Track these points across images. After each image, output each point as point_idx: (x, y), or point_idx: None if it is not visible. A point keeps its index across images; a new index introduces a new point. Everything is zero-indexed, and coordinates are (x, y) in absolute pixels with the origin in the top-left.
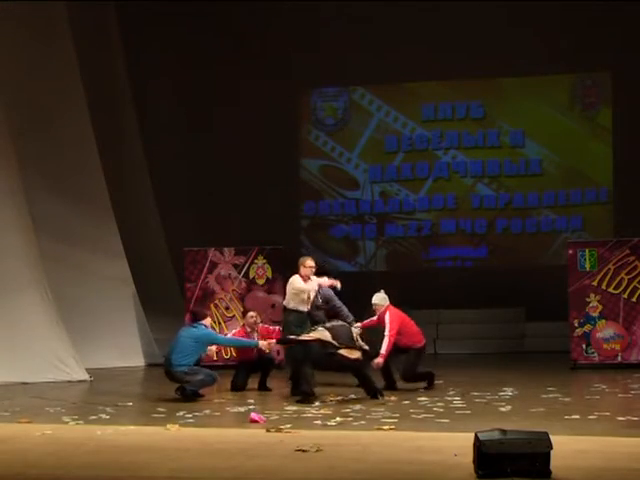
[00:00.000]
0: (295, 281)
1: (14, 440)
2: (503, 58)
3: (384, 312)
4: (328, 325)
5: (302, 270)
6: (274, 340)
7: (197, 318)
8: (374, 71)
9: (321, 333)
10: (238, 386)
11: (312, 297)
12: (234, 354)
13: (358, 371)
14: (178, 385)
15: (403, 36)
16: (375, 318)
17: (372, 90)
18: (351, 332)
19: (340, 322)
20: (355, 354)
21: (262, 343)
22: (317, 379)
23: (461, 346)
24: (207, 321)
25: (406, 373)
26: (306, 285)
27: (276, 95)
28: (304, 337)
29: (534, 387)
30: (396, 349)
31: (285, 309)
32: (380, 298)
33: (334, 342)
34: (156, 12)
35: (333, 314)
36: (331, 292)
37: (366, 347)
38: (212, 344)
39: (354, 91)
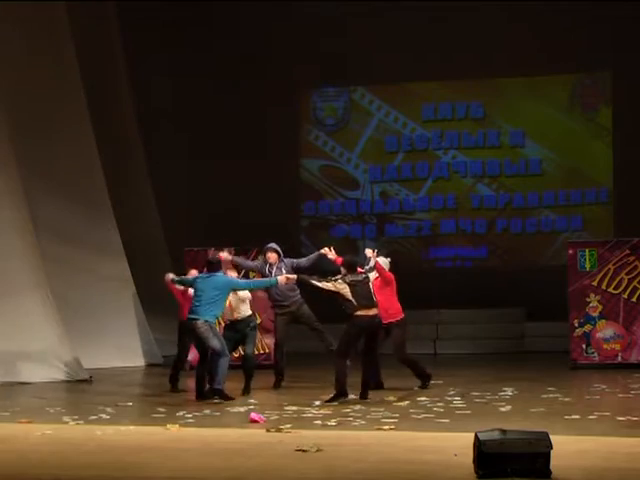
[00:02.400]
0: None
1: (14, 440)
2: (503, 58)
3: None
4: (349, 280)
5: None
6: (294, 276)
7: (213, 268)
8: (374, 71)
9: (342, 287)
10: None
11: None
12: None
13: (374, 337)
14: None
15: (403, 36)
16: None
17: (372, 90)
18: (369, 288)
19: (361, 277)
20: (372, 311)
21: (281, 279)
22: (317, 378)
23: (461, 346)
24: (228, 272)
25: (398, 352)
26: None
27: (276, 95)
28: (324, 285)
29: (534, 387)
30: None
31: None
32: (384, 262)
33: (353, 300)
34: (156, 12)
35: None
36: (289, 260)
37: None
38: (234, 289)
39: (354, 91)
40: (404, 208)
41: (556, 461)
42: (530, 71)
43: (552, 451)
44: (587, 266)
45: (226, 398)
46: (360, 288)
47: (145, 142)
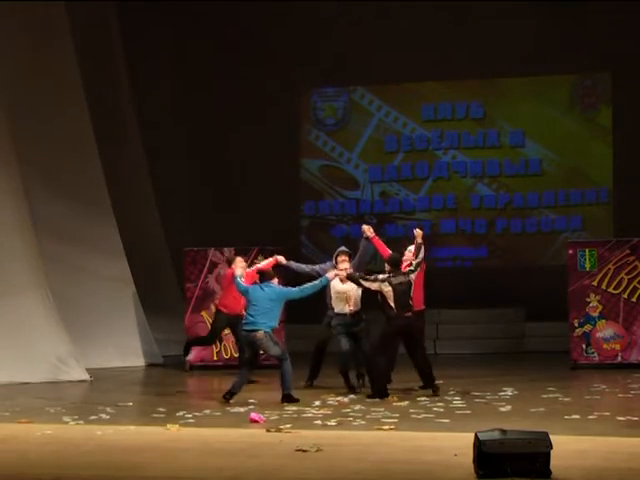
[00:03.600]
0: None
1: (14, 440)
2: (503, 58)
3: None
4: (395, 281)
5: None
6: (342, 273)
7: (265, 278)
8: (374, 71)
9: (387, 290)
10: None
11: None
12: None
13: (412, 336)
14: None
15: (403, 36)
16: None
17: (372, 90)
18: (410, 292)
19: (405, 278)
20: (408, 313)
21: (330, 275)
22: (317, 378)
23: (461, 346)
24: (275, 281)
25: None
26: (344, 285)
27: (276, 95)
28: (371, 285)
29: (534, 387)
30: None
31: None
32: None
33: (391, 303)
34: (156, 12)
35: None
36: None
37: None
38: (289, 299)
39: (354, 91)
40: (404, 208)
41: (556, 461)
42: (530, 71)
43: (552, 451)
44: (587, 266)
45: (293, 400)
46: (401, 292)
47: (145, 142)
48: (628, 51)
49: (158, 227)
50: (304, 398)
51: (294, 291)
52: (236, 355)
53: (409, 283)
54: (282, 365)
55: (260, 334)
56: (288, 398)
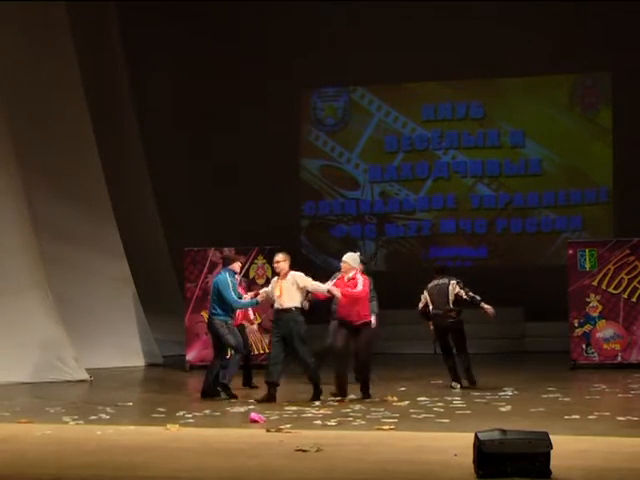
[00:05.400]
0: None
1: (14, 440)
2: (503, 58)
3: (355, 274)
4: (430, 285)
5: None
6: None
7: (225, 264)
8: (374, 71)
9: (425, 297)
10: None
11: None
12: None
13: (457, 332)
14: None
15: (403, 36)
16: (334, 281)
17: (372, 90)
18: (447, 292)
19: (442, 280)
20: (443, 311)
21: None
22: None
23: None
24: (235, 266)
25: (364, 352)
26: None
27: (276, 95)
28: (422, 301)
29: (534, 387)
30: (349, 329)
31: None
32: (353, 258)
33: (431, 307)
34: (156, 12)
35: None
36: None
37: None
38: (223, 296)
39: (354, 91)
40: (404, 208)
41: (556, 461)
42: (530, 71)
43: (552, 451)
44: (587, 266)
45: (230, 395)
46: (435, 293)
47: (145, 142)
48: (628, 51)
49: (158, 227)
50: (304, 398)
51: (230, 297)
52: None
53: (442, 285)
54: (234, 356)
55: (217, 321)
56: (223, 388)
